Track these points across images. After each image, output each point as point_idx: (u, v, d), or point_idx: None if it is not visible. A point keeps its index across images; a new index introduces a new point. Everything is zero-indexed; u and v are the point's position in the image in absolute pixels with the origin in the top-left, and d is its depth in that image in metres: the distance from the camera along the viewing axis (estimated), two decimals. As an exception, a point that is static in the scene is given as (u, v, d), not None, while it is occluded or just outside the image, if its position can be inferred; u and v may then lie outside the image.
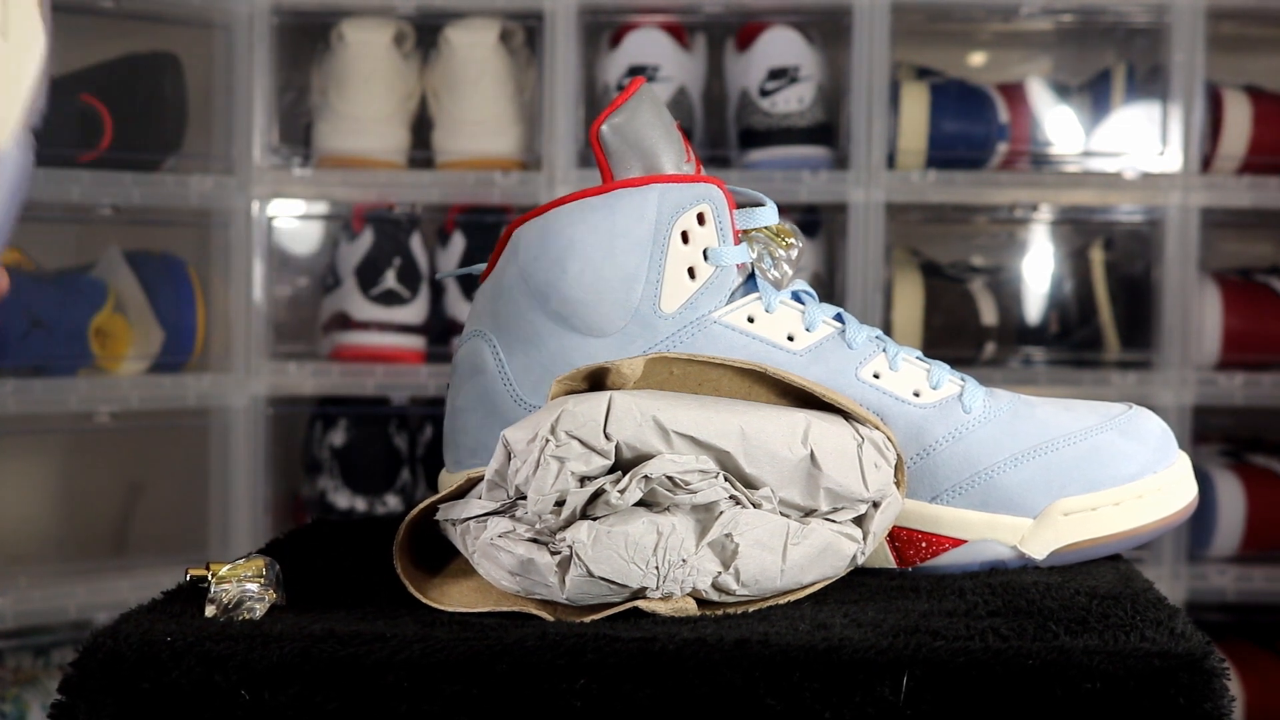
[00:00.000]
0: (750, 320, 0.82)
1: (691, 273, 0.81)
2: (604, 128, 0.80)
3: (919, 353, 0.88)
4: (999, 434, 0.83)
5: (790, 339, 0.84)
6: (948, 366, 0.87)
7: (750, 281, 0.88)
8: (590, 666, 0.66)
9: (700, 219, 0.81)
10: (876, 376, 0.86)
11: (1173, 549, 2.04)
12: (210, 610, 0.72)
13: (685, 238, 0.81)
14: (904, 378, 0.86)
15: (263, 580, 0.72)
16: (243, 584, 0.72)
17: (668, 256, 0.80)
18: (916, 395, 0.85)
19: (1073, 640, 0.66)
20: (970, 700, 0.64)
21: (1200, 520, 2.08)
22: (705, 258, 0.81)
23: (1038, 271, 2.25)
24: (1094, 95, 2.18)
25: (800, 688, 0.65)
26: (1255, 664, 2.06)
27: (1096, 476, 0.83)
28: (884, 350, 0.87)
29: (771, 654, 0.66)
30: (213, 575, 0.72)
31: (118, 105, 1.97)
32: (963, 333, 2.13)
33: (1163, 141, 2.10)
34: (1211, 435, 2.19)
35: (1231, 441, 2.21)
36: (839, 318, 0.88)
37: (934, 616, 0.71)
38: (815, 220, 2.18)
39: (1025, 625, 0.69)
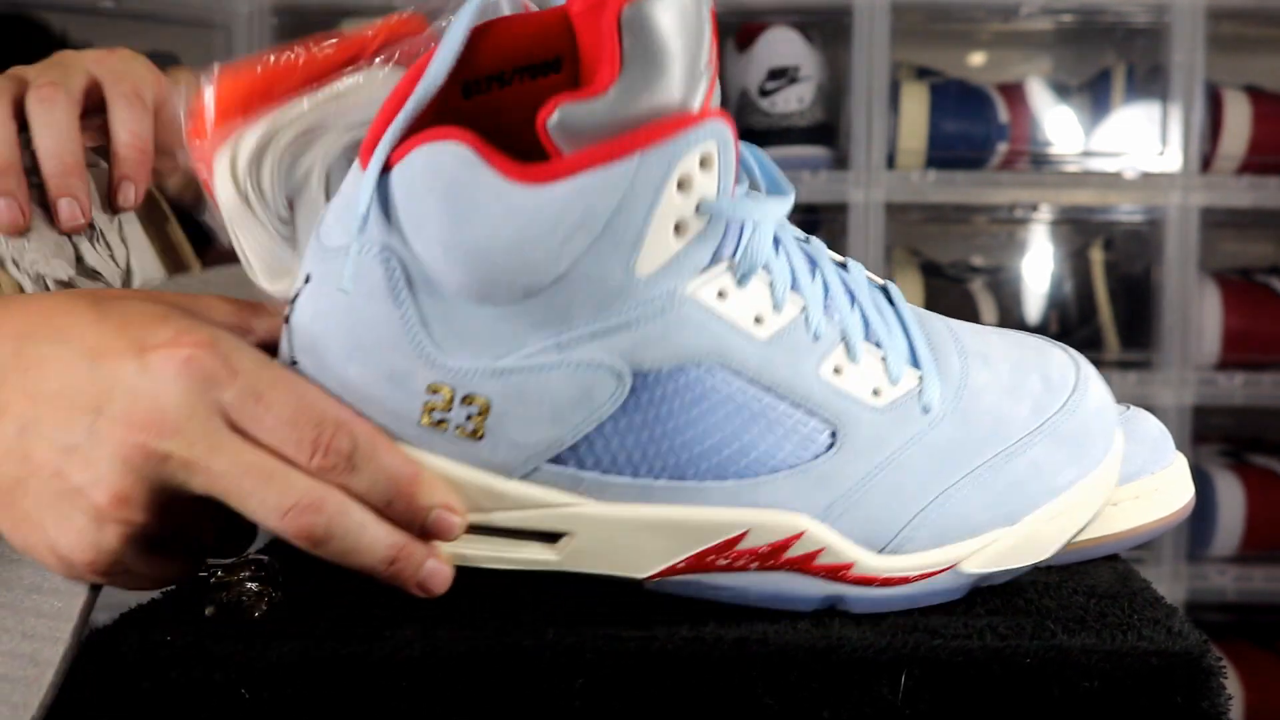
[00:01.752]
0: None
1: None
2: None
3: None
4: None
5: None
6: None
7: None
8: (589, 666, 0.66)
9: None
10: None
11: (1173, 549, 2.04)
12: (209, 610, 0.72)
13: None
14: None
15: (262, 580, 0.72)
16: (242, 584, 0.72)
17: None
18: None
19: (1070, 639, 0.66)
20: (968, 699, 0.64)
21: (1200, 520, 2.08)
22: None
23: (1038, 271, 2.25)
24: (1094, 95, 2.18)
25: (799, 686, 0.65)
26: (1255, 664, 2.06)
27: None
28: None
29: (770, 653, 0.66)
30: (212, 575, 0.73)
31: (118, 105, 1.97)
32: (962, 333, 2.13)
33: (1163, 141, 2.10)
34: (1211, 435, 2.19)
35: (1231, 441, 2.21)
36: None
37: (932, 615, 0.72)
38: (815, 220, 2.18)
39: (1023, 624, 0.69)
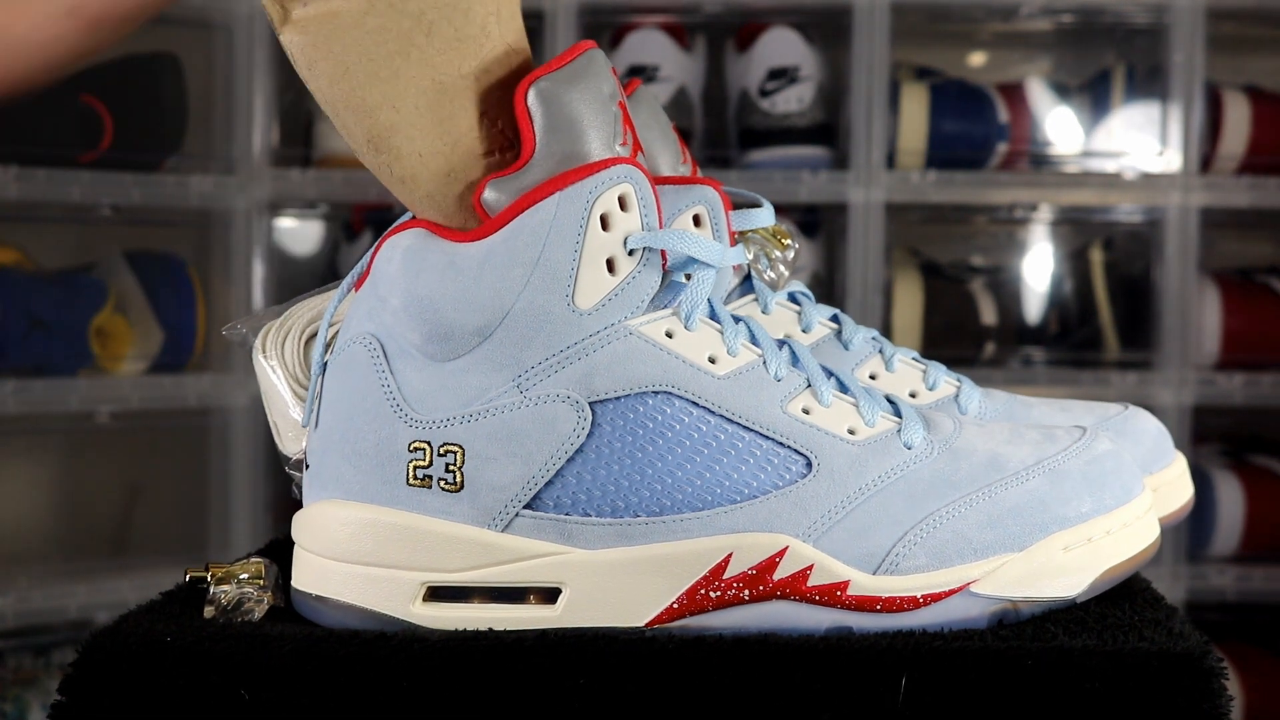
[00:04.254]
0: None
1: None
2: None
3: (915, 353, 0.88)
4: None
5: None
6: (944, 367, 0.87)
7: (747, 283, 0.88)
8: (590, 666, 0.66)
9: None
10: (873, 378, 0.86)
11: (1172, 549, 2.04)
12: (209, 611, 0.72)
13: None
14: (900, 379, 0.86)
15: (261, 582, 0.73)
16: (241, 585, 0.72)
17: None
18: (913, 396, 0.85)
19: (1071, 640, 0.66)
20: (969, 700, 0.64)
21: (1200, 520, 2.08)
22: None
23: (1037, 271, 2.25)
24: (1094, 95, 2.18)
25: (801, 688, 0.65)
26: (1255, 664, 2.06)
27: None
28: (880, 351, 0.87)
29: (770, 654, 0.66)
30: (211, 577, 0.73)
31: (118, 105, 1.97)
32: (963, 333, 2.13)
33: (1162, 141, 2.10)
34: (1211, 435, 2.19)
35: (1231, 441, 2.21)
36: (835, 319, 0.89)
37: (932, 617, 0.71)
38: (815, 220, 2.18)
39: (1024, 625, 0.69)
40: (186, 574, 0.73)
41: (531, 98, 0.68)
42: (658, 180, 0.74)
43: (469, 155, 0.69)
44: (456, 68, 0.69)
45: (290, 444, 0.78)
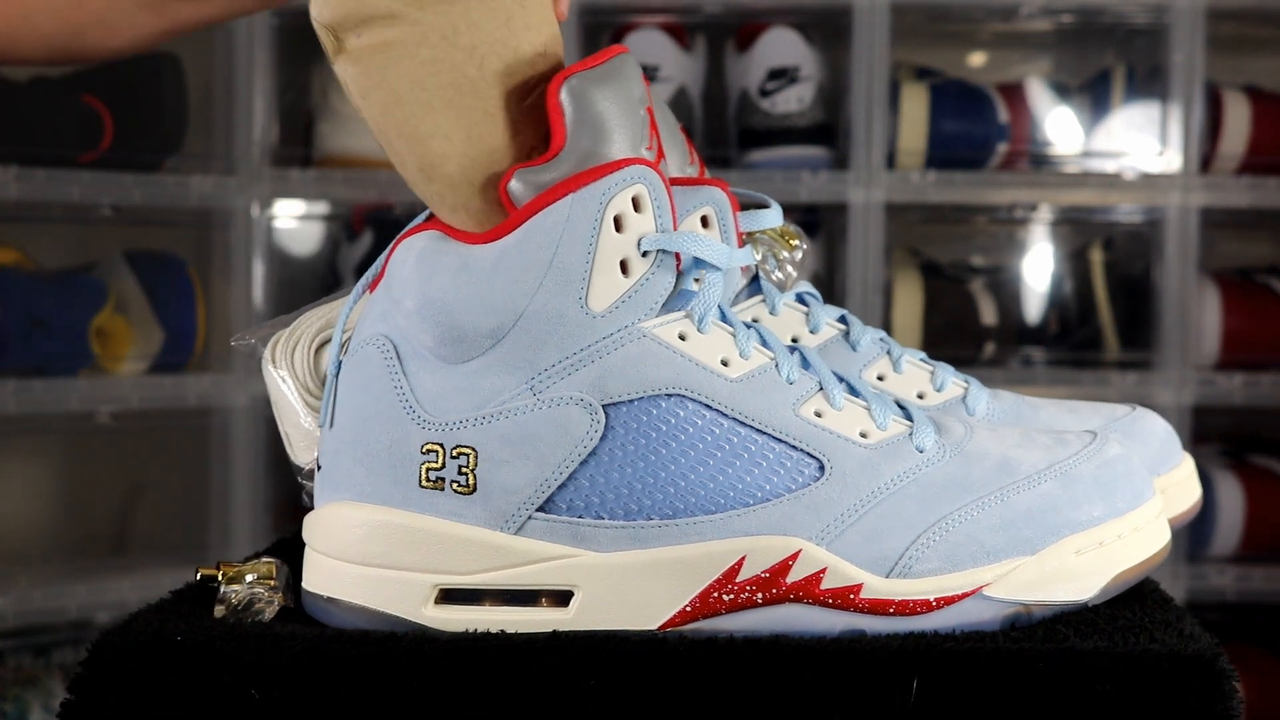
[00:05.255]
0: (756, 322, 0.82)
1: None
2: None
3: (923, 355, 0.88)
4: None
5: (795, 341, 0.84)
6: (952, 368, 0.87)
7: (754, 284, 0.88)
8: (601, 668, 0.66)
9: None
10: (881, 379, 0.86)
11: (1172, 549, 2.03)
12: (219, 611, 0.72)
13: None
14: (908, 380, 0.86)
15: (272, 582, 0.73)
16: (252, 586, 0.72)
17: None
18: (921, 398, 0.85)
19: (1082, 642, 0.66)
20: (980, 702, 0.64)
21: (1200, 520, 2.08)
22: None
23: (1037, 271, 2.25)
24: (1094, 95, 2.18)
25: (811, 689, 0.65)
26: (1255, 664, 2.06)
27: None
28: (888, 353, 0.87)
29: (782, 656, 0.66)
30: (222, 576, 0.73)
31: (118, 105, 1.97)
32: (963, 333, 2.13)
33: (1162, 142, 2.10)
34: (1211, 435, 2.20)
35: (1231, 441, 2.21)
36: (843, 319, 0.89)
37: (942, 618, 0.71)
38: (815, 220, 2.18)
39: (1035, 627, 0.69)
40: (198, 573, 0.73)
41: (564, 94, 0.68)
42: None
43: None
44: (507, 100, 0.70)
45: (302, 454, 0.78)
